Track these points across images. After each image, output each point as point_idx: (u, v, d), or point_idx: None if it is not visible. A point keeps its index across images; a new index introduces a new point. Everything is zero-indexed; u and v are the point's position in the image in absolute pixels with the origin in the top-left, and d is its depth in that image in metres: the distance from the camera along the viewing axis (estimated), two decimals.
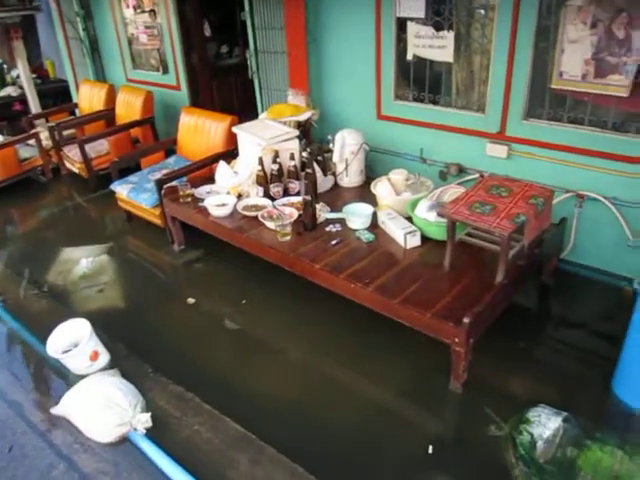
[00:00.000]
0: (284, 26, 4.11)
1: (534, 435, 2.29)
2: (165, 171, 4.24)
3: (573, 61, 3.02)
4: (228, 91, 5.55)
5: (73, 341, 2.79)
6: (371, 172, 3.95)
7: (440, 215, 2.73)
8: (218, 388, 2.73)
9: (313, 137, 4.15)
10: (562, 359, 2.84)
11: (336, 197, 3.71)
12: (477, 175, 3.62)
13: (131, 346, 3.03)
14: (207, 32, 5.46)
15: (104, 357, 2.83)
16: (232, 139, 4.13)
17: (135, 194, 4.02)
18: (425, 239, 3.06)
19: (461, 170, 3.71)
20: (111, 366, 2.83)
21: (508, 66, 3.24)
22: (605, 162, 3.09)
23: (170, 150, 4.64)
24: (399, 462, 2.31)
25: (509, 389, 2.65)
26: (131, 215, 4.38)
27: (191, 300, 3.45)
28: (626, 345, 2.48)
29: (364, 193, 3.68)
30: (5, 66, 7.25)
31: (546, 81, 3.18)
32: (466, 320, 2.37)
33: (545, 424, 2.33)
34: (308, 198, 3.21)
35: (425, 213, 3.05)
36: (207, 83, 5.49)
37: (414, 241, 3.03)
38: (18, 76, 6.94)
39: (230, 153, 4.12)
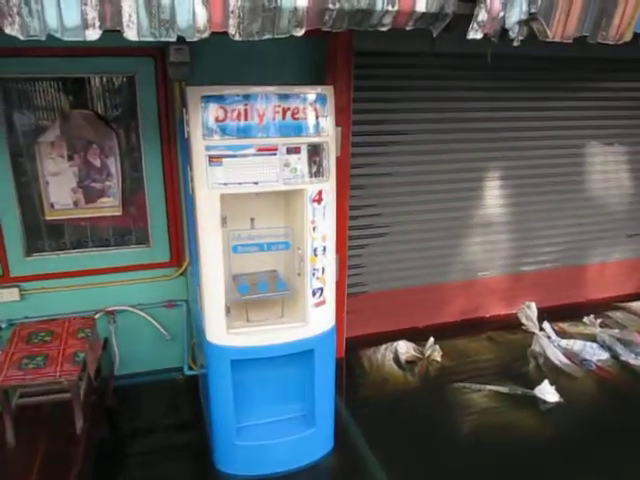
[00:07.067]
0: None
1: None
2: None
3: (60, 191, 3.10)
4: None
5: None
6: None
7: None
8: None
9: None
10: (163, 465, 2.85)
11: None
12: None
13: None
14: None
15: None
16: None
17: None
18: None
19: None
20: None
21: None
22: (120, 275, 3.31)
23: None
24: None
25: None
26: None
27: None
28: (212, 421, 2.69)
29: None
30: None
31: (39, 214, 3.13)
32: None
33: None
34: None
35: None
36: None
37: None
38: None
39: None
